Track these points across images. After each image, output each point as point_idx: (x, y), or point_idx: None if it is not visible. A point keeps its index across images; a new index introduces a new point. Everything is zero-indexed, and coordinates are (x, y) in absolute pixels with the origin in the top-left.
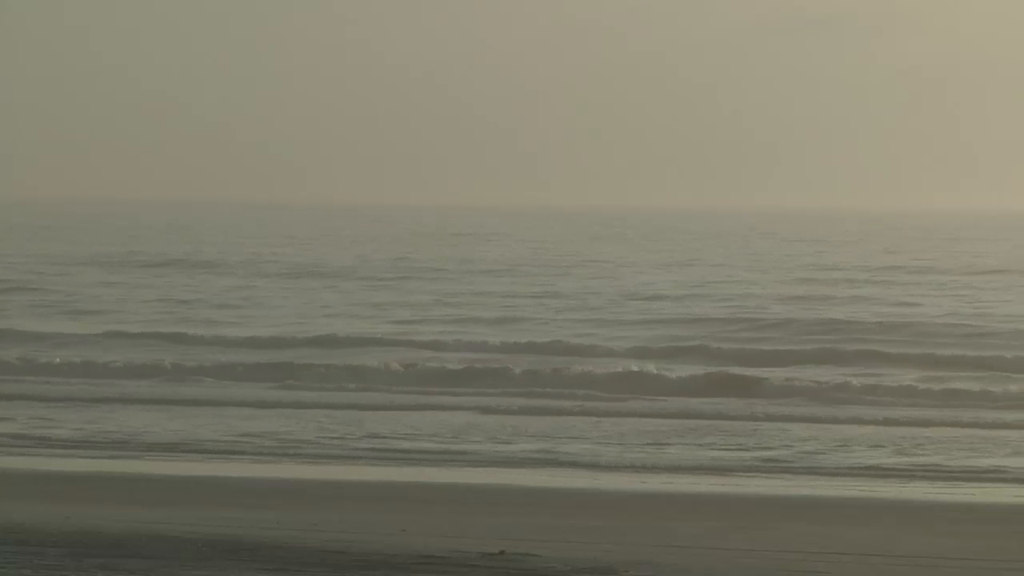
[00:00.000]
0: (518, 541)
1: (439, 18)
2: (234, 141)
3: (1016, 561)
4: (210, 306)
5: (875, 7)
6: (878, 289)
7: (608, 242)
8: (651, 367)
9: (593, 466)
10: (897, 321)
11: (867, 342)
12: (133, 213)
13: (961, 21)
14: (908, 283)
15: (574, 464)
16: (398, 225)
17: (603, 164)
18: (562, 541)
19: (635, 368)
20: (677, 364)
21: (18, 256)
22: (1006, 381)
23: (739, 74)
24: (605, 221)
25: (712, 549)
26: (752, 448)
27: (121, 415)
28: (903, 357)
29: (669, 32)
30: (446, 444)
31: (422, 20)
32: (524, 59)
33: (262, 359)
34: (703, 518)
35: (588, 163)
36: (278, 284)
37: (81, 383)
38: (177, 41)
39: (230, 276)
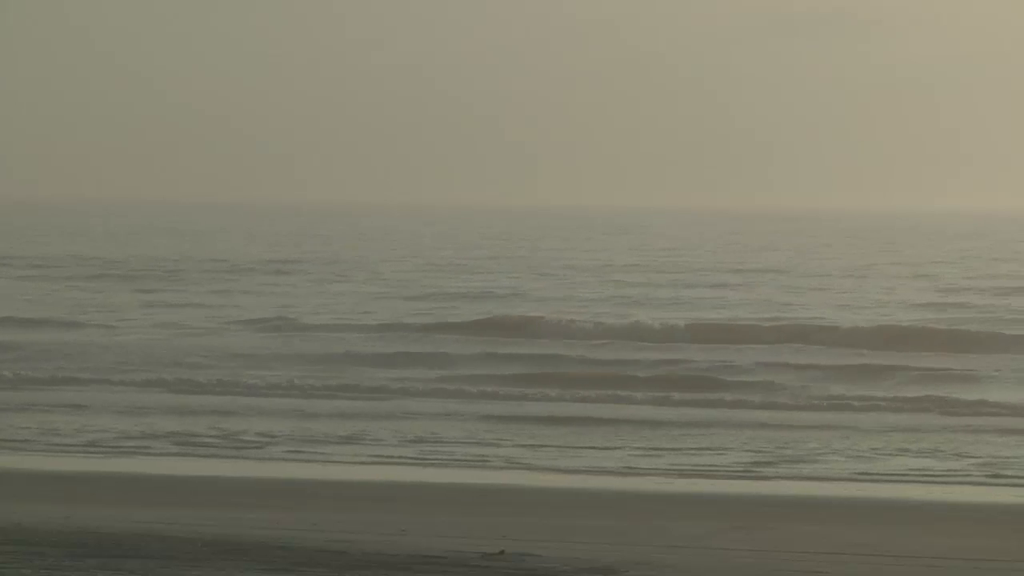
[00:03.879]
0: (518, 541)
1: (439, 18)
2: (234, 141)
3: (1016, 561)
4: None
5: (875, 7)
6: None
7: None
8: None
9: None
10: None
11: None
12: (89, 214)
13: (961, 21)
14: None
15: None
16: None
17: (602, 164)
18: (562, 541)
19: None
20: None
21: None
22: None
23: (738, 74)
24: (563, 222)
25: (712, 549)
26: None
27: None
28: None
29: (669, 32)
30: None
31: (422, 20)
32: (524, 59)
33: None
34: (703, 518)
35: (587, 163)
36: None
37: None
38: (176, 41)
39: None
